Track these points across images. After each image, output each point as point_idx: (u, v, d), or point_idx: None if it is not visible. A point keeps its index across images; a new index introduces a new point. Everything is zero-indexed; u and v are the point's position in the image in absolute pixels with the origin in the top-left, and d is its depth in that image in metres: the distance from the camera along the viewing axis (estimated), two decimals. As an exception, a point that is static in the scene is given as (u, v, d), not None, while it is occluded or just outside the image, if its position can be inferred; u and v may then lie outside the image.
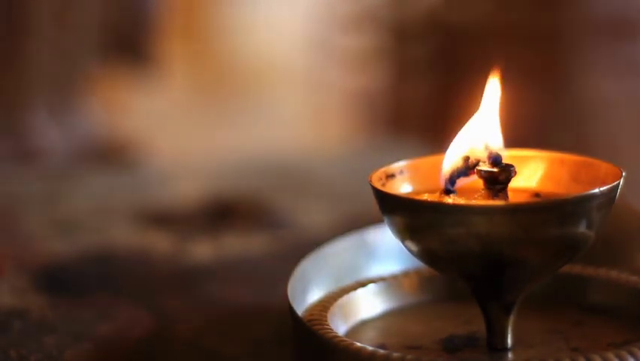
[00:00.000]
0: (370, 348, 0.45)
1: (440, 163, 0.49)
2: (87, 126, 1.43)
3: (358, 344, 0.46)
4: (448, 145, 0.49)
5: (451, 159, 0.48)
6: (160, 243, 0.74)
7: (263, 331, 0.57)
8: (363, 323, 0.52)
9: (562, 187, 0.49)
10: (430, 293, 0.55)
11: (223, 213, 0.82)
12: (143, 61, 1.48)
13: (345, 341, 0.46)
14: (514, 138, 0.50)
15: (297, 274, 0.52)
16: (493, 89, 0.49)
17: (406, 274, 0.55)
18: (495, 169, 0.47)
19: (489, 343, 0.48)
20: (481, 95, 0.50)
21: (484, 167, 0.47)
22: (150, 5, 1.51)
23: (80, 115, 1.42)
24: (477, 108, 0.49)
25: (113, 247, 0.74)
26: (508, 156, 0.48)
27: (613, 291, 0.53)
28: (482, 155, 0.48)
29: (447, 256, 0.45)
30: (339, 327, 0.50)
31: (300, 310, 0.50)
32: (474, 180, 0.48)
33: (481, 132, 0.49)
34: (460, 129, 0.49)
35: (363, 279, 0.55)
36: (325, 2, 1.71)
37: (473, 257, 0.45)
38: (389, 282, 0.54)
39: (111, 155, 1.42)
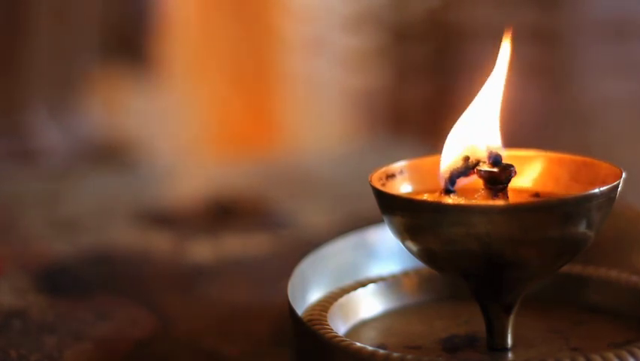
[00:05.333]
0: (370, 348, 0.45)
1: (440, 163, 0.49)
2: (87, 126, 1.43)
3: (358, 344, 0.46)
4: (445, 141, 0.49)
5: (449, 155, 0.48)
6: (160, 243, 0.74)
7: (263, 331, 0.57)
8: (363, 323, 0.52)
9: (562, 187, 0.49)
10: (430, 293, 0.55)
11: (223, 213, 0.82)
12: (142, 61, 1.48)
13: (345, 341, 0.46)
14: (515, 137, 0.50)
15: (297, 274, 0.52)
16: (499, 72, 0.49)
17: (406, 274, 0.55)
18: (495, 169, 0.47)
19: (489, 343, 0.48)
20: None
21: (484, 167, 0.47)
22: (150, 6, 1.51)
23: (80, 115, 1.42)
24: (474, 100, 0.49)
25: (113, 247, 0.74)
26: (508, 156, 0.48)
27: (613, 291, 0.53)
28: (482, 155, 0.48)
29: (447, 256, 0.45)
30: (339, 327, 0.50)
31: (300, 310, 0.50)
32: (474, 180, 0.48)
33: (478, 128, 0.49)
34: (456, 123, 0.49)
35: (363, 279, 0.55)
36: (326, 2, 1.71)
37: (473, 257, 0.45)
38: (389, 282, 0.54)
39: (111, 155, 1.42)
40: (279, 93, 1.74)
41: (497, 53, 0.49)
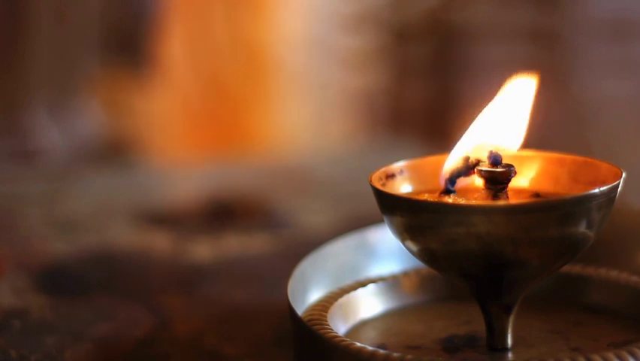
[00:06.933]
0: (370, 348, 0.45)
1: (440, 163, 0.49)
2: (87, 126, 1.43)
3: (358, 344, 0.46)
4: (453, 144, 0.48)
5: (455, 158, 0.48)
6: (160, 243, 0.74)
7: (263, 331, 0.57)
8: (363, 323, 0.52)
9: (562, 187, 0.49)
10: (430, 293, 0.55)
11: (223, 213, 0.82)
12: (142, 61, 1.48)
13: (345, 341, 0.46)
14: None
15: (297, 274, 0.52)
16: (517, 90, 0.49)
17: (405, 274, 0.55)
18: (495, 169, 0.47)
19: (489, 343, 0.48)
20: (485, 96, 0.49)
21: (484, 167, 0.47)
22: (150, 5, 1.51)
23: (80, 115, 1.42)
24: (481, 107, 0.49)
25: (113, 247, 0.74)
26: (508, 156, 0.48)
27: (613, 291, 0.53)
28: (482, 155, 0.48)
29: (447, 256, 0.45)
30: (339, 327, 0.50)
31: (300, 310, 0.50)
32: (474, 180, 0.48)
33: (498, 131, 0.49)
34: (466, 128, 0.49)
35: (363, 279, 0.55)
36: (326, 2, 1.71)
37: (473, 257, 0.45)
38: (389, 282, 0.54)
39: (111, 155, 1.42)
40: (279, 93, 1.74)
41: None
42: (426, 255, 0.46)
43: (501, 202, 0.46)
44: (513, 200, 0.47)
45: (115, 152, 1.45)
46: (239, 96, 1.73)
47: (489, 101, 0.49)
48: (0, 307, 0.62)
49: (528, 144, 0.51)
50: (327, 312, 0.50)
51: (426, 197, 0.48)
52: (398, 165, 0.50)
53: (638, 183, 0.61)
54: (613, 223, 0.51)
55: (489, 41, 1.48)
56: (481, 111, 0.49)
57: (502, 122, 0.49)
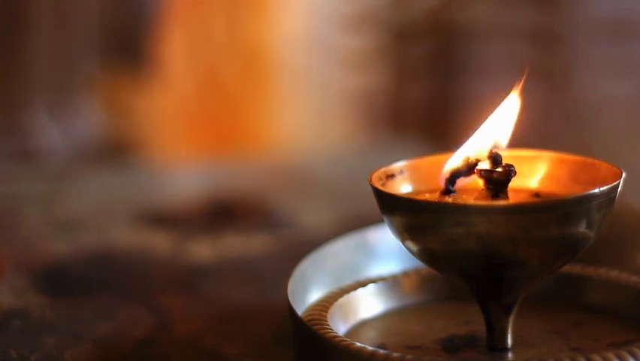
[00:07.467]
0: (370, 348, 0.45)
1: (440, 163, 0.49)
2: (87, 126, 1.43)
3: (358, 344, 0.46)
4: (457, 145, 0.48)
5: (456, 160, 0.48)
6: (160, 243, 0.74)
7: (263, 331, 0.57)
8: (363, 323, 0.52)
9: (562, 187, 0.49)
10: (430, 293, 0.55)
11: (223, 213, 0.82)
12: (142, 61, 1.49)
13: (345, 341, 0.46)
14: (515, 137, 0.50)
15: (297, 274, 0.52)
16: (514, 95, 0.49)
17: (405, 274, 0.55)
18: (495, 169, 0.47)
19: (489, 343, 0.48)
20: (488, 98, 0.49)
21: (484, 167, 0.47)
22: (150, 5, 1.51)
23: (80, 115, 1.42)
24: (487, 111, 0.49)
25: (113, 247, 0.74)
26: (508, 156, 0.48)
27: (613, 291, 0.53)
28: (482, 155, 0.48)
29: (447, 256, 0.45)
30: (339, 327, 0.51)
31: (300, 310, 0.50)
32: (474, 180, 0.48)
33: (492, 134, 0.49)
34: (470, 131, 0.49)
35: (363, 279, 0.55)
36: (326, 2, 1.71)
37: (473, 257, 0.45)
38: (389, 282, 0.54)
39: (111, 155, 1.42)
40: (279, 93, 1.74)
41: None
42: (426, 255, 0.46)
43: (501, 202, 0.46)
44: (513, 200, 0.47)
45: (115, 152, 1.45)
46: (238, 96, 1.73)
47: (495, 103, 0.49)
48: (0, 307, 0.62)
49: (528, 143, 0.51)
50: (327, 312, 0.51)
51: (426, 197, 0.48)
52: (398, 165, 0.50)
53: (638, 183, 0.61)
54: (613, 223, 0.51)
55: (489, 41, 1.48)
56: (487, 114, 0.49)
57: (501, 122, 0.49)
